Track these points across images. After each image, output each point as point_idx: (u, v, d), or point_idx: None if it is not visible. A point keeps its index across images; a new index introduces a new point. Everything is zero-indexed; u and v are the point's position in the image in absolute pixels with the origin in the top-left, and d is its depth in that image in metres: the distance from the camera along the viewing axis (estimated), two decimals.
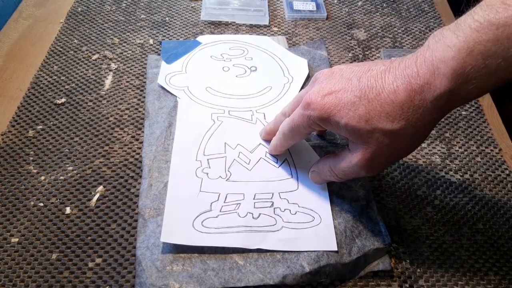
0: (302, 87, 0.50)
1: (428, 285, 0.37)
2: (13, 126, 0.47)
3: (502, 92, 0.60)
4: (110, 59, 0.55)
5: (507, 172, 0.46)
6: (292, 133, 0.38)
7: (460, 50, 0.28)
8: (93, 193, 0.42)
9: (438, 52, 0.29)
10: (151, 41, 0.58)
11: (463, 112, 0.52)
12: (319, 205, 0.39)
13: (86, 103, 0.50)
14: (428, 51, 0.30)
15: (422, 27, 0.62)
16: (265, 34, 0.60)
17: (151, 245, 0.37)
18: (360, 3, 0.66)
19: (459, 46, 0.28)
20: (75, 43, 0.58)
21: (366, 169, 0.34)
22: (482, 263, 0.39)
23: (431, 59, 0.30)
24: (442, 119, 0.50)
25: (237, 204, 0.39)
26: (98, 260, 0.37)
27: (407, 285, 0.37)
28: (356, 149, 0.33)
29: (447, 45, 0.29)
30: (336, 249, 0.37)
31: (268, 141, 0.43)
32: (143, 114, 0.49)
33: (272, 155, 0.43)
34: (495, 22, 0.27)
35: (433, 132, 0.49)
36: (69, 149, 0.45)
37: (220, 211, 0.38)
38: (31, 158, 0.44)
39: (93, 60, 0.55)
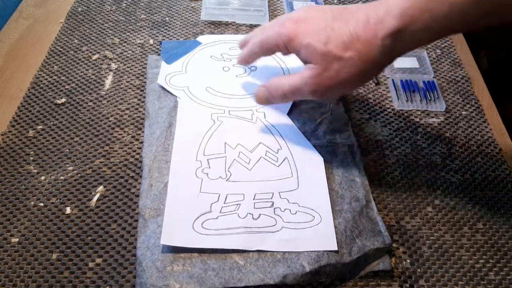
0: None
1: (429, 285, 0.37)
2: (13, 126, 0.47)
3: (502, 92, 0.60)
4: (110, 59, 0.55)
5: (507, 172, 0.46)
6: (260, 43, 0.41)
7: None
8: (93, 193, 0.42)
9: None
10: (151, 41, 0.58)
11: (463, 112, 0.52)
12: (319, 205, 0.39)
13: (86, 103, 0.50)
14: None
15: None
16: None
17: (151, 245, 0.36)
18: (360, 3, 0.66)
19: None
20: (75, 43, 0.58)
21: (311, 86, 0.37)
22: (483, 263, 0.39)
23: (389, 2, 0.34)
24: (442, 119, 0.50)
25: (237, 204, 0.39)
26: (99, 260, 0.37)
27: (408, 285, 0.37)
28: (309, 67, 0.37)
29: None
30: (336, 249, 0.36)
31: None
32: (143, 114, 0.49)
33: (272, 154, 0.43)
34: None
35: (433, 132, 0.49)
36: (69, 149, 0.45)
37: (220, 212, 0.38)
38: (31, 158, 0.44)
39: (93, 60, 0.55)
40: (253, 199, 0.40)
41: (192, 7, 0.64)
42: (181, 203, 0.39)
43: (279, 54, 0.54)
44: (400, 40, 0.34)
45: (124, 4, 0.64)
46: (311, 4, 0.64)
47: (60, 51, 0.56)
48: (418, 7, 0.32)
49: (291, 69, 0.53)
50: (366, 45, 0.34)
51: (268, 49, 0.42)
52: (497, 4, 0.31)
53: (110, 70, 0.54)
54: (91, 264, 0.37)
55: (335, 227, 0.38)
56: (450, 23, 0.32)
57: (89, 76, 0.53)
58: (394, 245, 0.39)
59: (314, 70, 0.37)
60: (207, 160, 0.42)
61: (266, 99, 0.43)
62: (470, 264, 0.39)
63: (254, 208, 0.39)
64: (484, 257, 0.39)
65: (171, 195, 0.39)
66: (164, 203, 0.39)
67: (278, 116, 0.47)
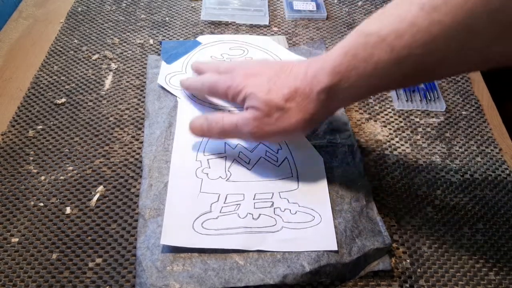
0: None
1: (429, 285, 0.37)
2: (13, 126, 0.47)
3: (502, 92, 0.60)
4: (110, 59, 0.55)
5: (507, 172, 0.46)
6: (209, 89, 0.43)
7: (339, 50, 0.34)
8: (93, 193, 0.42)
9: (330, 52, 0.35)
10: (151, 41, 0.58)
11: (463, 112, 0.52)
12: (319, 205, 0.39)
13: (86, 103, 0.50)
14: (329, 51, 0.36)
15: None
16: (265, 34, 0.60)
17: (151, 245, 0.36)
18: (360, 3, 0.66)
19: (340, 47, 0.34)
20: (75, 43, 0.58)
21: (251, 128, 0.38)
22: (483, 263, 0.39)
23: (324, 57, 0.35)
24: (442, 119, 0.50)
25: (237, 204, 0.39)
26: (98, 260, 0.37)
27: (407, 285, 0.37)
28: (251, 111, 0.38)
29: (337, 46, 0.35)
30: (336, 248, 0.36)
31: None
32: (143, 114, 0.49)
33: (272, 154, 0.43)
34: (366, 30, 0.32)
35: (433, 132, 0.49)
36: (69, 149, 0.45)
37: (220, 212, 0.38)
38: (31, 158, 0.44)
39: (93, 60, 0.55)
40: (253, 199, 0.40)
41: (192, 7, 0.64)
42: (181, 203, 0.39)
43: (278, 53, 0.55)
44: (334, 96, 0.35)
45: (124, 4, 0.64)
46: (311, 4, 0.64)
47: (60, 51, 0.56)
48: (347, 66, 0.33)
49: None
50: (304, 98, 0.36)
51: (215, 95, 0.44)
52: (415, 68, 0.32)
53: (110, 70, 0.54)
54: (91, 264, 0.37)
55: (335, 227, 0.38)
56: (377, 81, 0.34)
57: (89, 76, 0.53)
58: (394, 245, 0.39)
59: (256, 113, 0.38)
60: (207, 160, 0.42)
61: (202, 131, 0.42)
62: (470, 264, 0.39)
63: (254, 208, 0.39)
64: (484, 257, 0.39)
65: (171, 195, 0.39)
66: (164, 203, 0.39)
67: None
